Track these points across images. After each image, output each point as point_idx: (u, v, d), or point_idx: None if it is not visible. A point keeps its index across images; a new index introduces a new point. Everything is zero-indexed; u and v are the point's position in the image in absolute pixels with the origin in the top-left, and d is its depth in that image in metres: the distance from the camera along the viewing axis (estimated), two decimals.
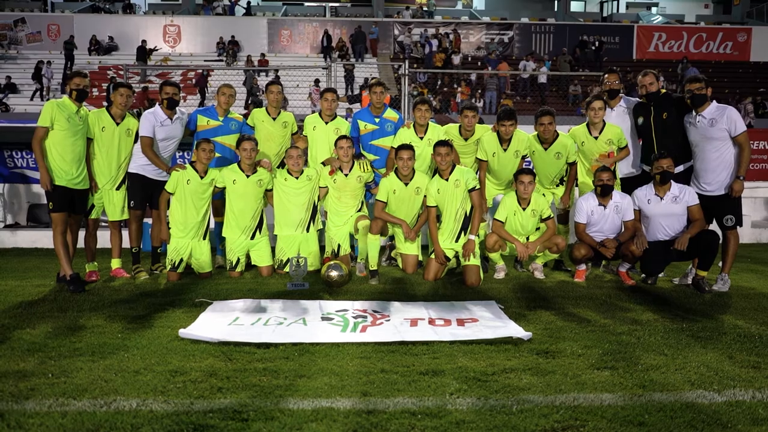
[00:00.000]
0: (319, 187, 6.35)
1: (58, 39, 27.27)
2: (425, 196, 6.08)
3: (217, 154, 6.19)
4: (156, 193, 6.04)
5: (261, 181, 6.13)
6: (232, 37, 27.23)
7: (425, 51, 26.12)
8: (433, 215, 6.07)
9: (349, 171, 6.27)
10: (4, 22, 27.29)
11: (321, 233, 6.61)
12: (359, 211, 6.39)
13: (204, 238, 6.07)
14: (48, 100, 5.76)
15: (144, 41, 25.30)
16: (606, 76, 6.30)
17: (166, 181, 5.96)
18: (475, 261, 5.87)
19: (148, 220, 6.53)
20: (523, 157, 6.35)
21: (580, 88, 22.78)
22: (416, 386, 3.13)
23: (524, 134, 6.30)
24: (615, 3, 38.07)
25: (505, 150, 6.25)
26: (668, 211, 5.64)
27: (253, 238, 6.19)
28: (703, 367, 3.43)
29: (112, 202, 5.98)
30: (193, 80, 23.25)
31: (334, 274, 5.59)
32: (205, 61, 26.28)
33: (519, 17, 32.92)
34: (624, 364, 3.49)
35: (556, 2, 35.67)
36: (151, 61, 24.70)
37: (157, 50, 26.36)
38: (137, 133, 5.99)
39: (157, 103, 6.19)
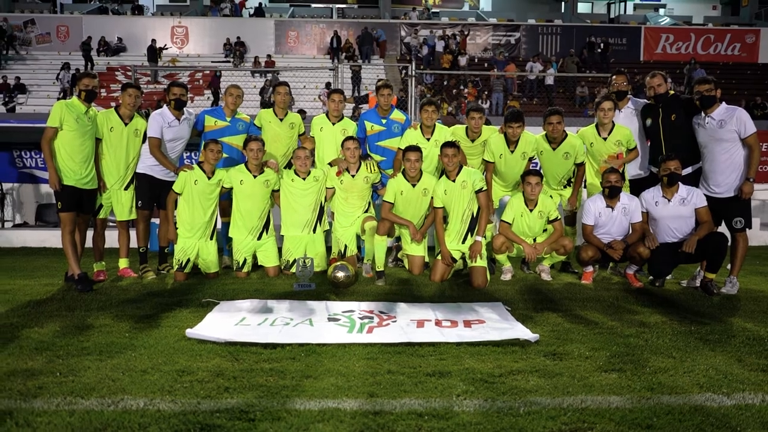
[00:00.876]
0: (326, 188, 6.35)
1: (67, 40, 27.45)
2: (432, 197, 6.07)
3: (224, 155, 6.21)
4: (164, 193, 6.06)
5: (268, 182, 6.14)
6: (238, 38, 27.31)
7: (424, 51, 26.18)
8: (440, 216, 6.07)
9: (356, 172, 6.27)
10: (14, 23, 27.46)
11: (328, 234, 6.61)
12: (366, 212, 6.40)
13: (211, 239, 6.09)
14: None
15: (154, 40, 25.41)
16: (614, 77, 6.28)
17: (173, 182, 5.98)
18: (481, 262, 5.86)
19: (156, 220, 6.55)
20: (530, 159, 6.34)
21: (588, 89, 22.71)
22: (423, 387, 3.13)
23: (531, 136, 6.28)
24: (622, 4, 37.97)
25: (512, 152, 6.24)
26: (676, 213, 5.61)
27: (259, 238, 6.20)
28: (712, 370, 3.40)
29: (120, 202, 6.01)
30: (201, 81, 23.33)
31: (340, 274, 5.59)
32: (212, 62, 26.38)
33: (526, 18, 32.87)
34: (632, 366, 3.47)
35: (563, 3, 35.59)
36: (161, 60, 24.78)
37: (166, 48, 26.47)
38: (145, 133, 6.01)
39: (165, 104, 6.21)
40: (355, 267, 6.07)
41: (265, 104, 18.88)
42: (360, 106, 14.95)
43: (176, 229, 6.03)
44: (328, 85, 19.39)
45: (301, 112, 15.76)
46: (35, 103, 22.50)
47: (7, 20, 27.06)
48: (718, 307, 5.02)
